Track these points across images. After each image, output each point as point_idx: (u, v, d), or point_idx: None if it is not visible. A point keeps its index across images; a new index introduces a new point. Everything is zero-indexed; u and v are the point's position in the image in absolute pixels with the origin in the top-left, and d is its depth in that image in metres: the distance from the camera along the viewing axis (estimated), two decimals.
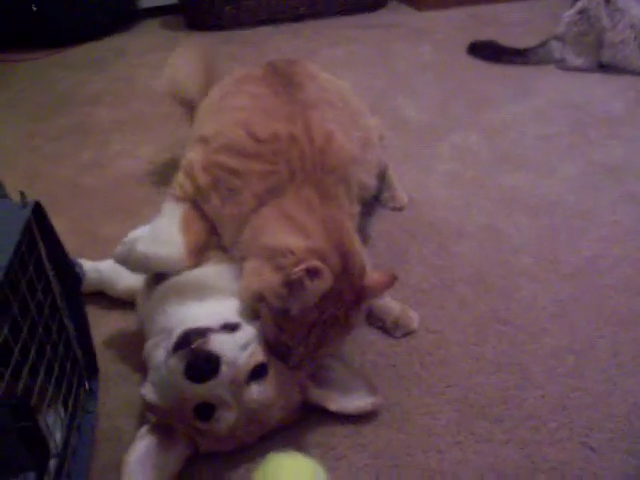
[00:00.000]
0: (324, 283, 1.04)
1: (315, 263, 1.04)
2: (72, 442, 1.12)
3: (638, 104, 2.39)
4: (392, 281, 1.15)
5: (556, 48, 2.73)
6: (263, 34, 3.40)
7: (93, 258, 1.53)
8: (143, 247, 1.23)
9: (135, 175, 2.04)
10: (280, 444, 1.14)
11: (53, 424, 1.08)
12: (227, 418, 1.08)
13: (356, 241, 1.19)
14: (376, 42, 3.18)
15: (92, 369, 1.27)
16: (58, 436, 1.09)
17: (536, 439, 1.15)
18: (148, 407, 1.15)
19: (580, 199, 1.84)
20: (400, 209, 1.82)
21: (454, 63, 2.87)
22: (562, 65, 2.71)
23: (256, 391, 1.09)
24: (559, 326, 1.39)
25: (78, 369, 1.21)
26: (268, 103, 1.41)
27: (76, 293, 1.20)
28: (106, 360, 1.34)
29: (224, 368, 1.04)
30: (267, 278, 1.10)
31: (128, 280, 1.44)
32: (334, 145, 1.31)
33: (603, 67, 2.66)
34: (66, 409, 1.13)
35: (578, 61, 2.67)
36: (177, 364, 1.05)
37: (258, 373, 1.10)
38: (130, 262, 1.26)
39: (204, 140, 1.37)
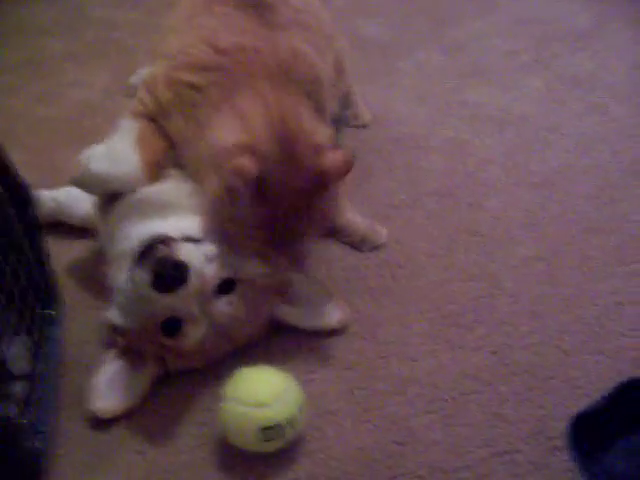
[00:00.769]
0: (247, 177, 1.00)
1: (236, 162, 1.00)
2: (39, 369, 1.10)
3: (603, 17, 2.34)
4: (350, 161, 1.09)
5: None
6: None
7: (53, 189, 1.46)
8: (96, 166, 1.18)
9: (92, 105, 1.96)
10: (250, 359, 1.11)
11: (19, 352, 1.06)
12: (195, 333, 1.05)
13: (311, 122, 1.14)
14: None
15: (55, 298, 1.24)
16: (25, 364, 1.07)
17: (509, 344, 1.15)
18: (114, 330, 1.12)
19: (547, 112, 1.80)
20: (364, 126, 1.77)
21: None
22: None
23: (224, 304, 1.06)
24: (529, 235, 1.38)
25: (41, 298, 1.19)
26: (236, 22, 1.34)
27: (34, 223, 1.16)
28: (70, 288, 1.30)
29: (191, 278, 1.01)
30: (209, 184, 1.07)
31: (87, 207, 1.38)
32: (301, 60, 1.27)
33: None
34: (31, 338, 1.11)
35: None
36: (143, 276, 1.01)
37: (226, 288, 1.07)
38: (85, 183, 1.20)
39: (167, 57, 1.31)
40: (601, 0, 2.48)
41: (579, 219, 1.41)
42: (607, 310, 1.21)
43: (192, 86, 1.20)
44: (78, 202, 1.40)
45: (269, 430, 0.94)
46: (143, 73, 1.65)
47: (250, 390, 0.97)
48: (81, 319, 1.25)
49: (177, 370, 1.12)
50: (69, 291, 1.29)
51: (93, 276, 1.30)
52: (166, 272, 0.99)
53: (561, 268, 1.30)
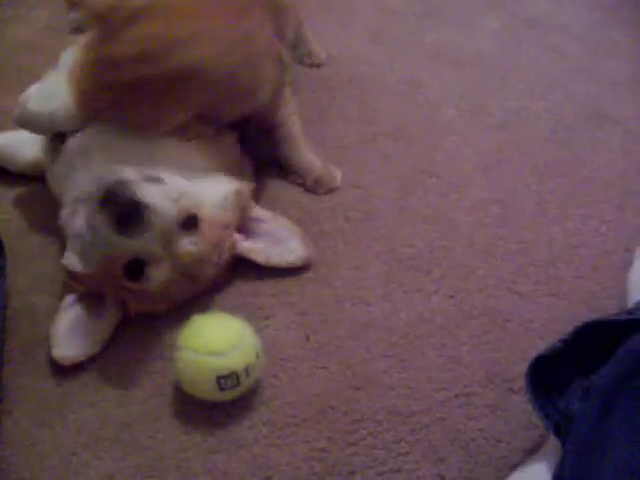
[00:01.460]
0: None
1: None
2: None
3: None
4: None
5: None
6: None
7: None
8: (32, 105, 1.11)
9: (31, 42, 1.85)
10: (203, 307, 1.10)
11: None
12: (159, 274, 1.02)
13: None
14: None
15: None
16: None
17: (464, 287, 1.15)
18: (72, 277, 1.08)
19: (503, 53, 1.78)
20: (318, 65, 1.72)
21: None
22: None
23: (188, 243, 1.03)
24: (484, 177, 1.37)
25: None
26: None
27: None
28: (13, 237, 1.23)
29: (154, 218, 0.97)
30: None
31: (32, 153, 1.31)
32: None
33: None
34: None
35: None
36: (104, 220, 0.97)
37: (189, 225, 1.04)
38: (24, 123, 1.14)
39: None
40: None
41: (534, 162, 1.41)
42: (561, 253, 1.21)
43: None
44: (22, 147, 1.33)
45: (225, 379, 0.92)
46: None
47: (205, 339, 0.94)
48: (26, 268, 1.19)
49: (138, 314, 1.08)
50: (12, 239, 1.22)
51: (39, 224, 1.26)
52: (127, 215, 0.96)
53: (516, 211, 1.29)
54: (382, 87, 1.63)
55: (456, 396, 1.00)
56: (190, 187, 1.07)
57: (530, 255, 1.21)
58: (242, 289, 1.15)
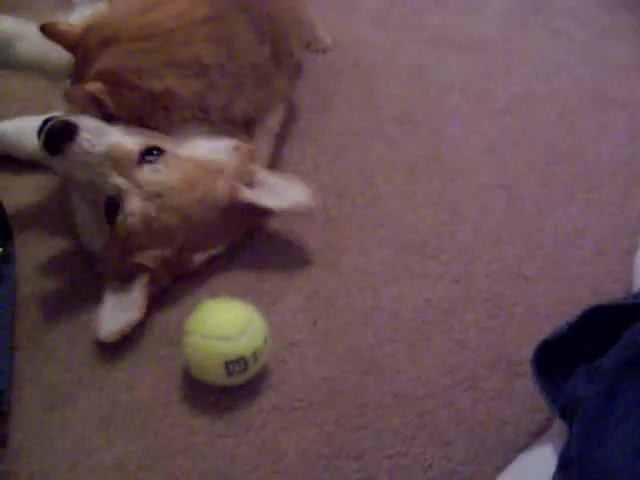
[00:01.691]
0: None
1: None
2: None
3: None
4: None
5: None
6: None
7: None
8: None
9: None
10: (212, 291, 1.11)
11: None
12: (132, 207, 1.04)
13: None
14: None
15: (6, 233, 1.18)
16: None
17: (471, 272, 1.16)
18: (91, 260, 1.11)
19: (507, 36, 1.77)
20: (324, 51, 1.72)
21: None
22: None
23: (149, 170, 1.06)
24: (490, 162, 1.37)
25: None
26: None
27: None
28: (21, 224, 1.24)
29: (86, 135, 1.02)
30: None
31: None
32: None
33: None
34: None
35: None
36: (39, 144, 1.04)
37: (150, 156, 1.07)
38: None
39: None
40: None
41: (540, 146, 1.41)
42: (567, 238, 1.22)
43: None
44: (29, 134, 1.33)
45: (234, 363, 0.93)
46: None
47: (214, 323, 0.95)
48: (34, 254, 1.20)
49: (162, 275, 1.10)
50: (20, 226, 1.23)
51: (46, 211, 1.27)
52: (54, 131, 1.02)
53: (522, 196, 1.30)
54: (387, 72, 1.63)
55: (462, 380, 1.01)
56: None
57: (535, 240, 1.21)
58: (249, 274, 1.15)
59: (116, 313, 1.07)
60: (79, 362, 1.05)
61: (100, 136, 1.05)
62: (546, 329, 1.01)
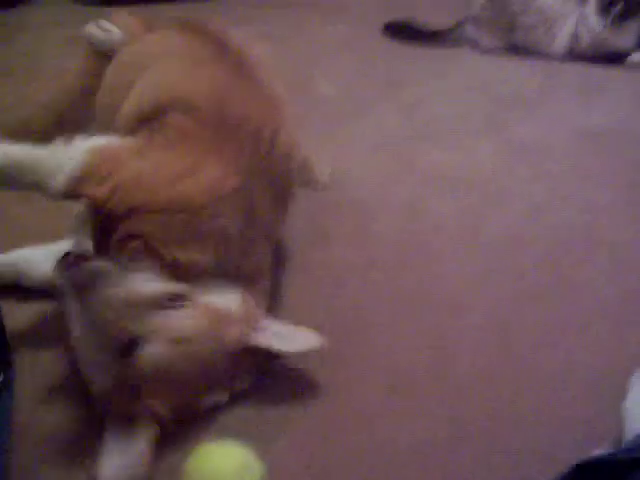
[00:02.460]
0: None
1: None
2: None
3: (550, 86, 2.45)
4: None
5: (470, 29, 2.76)
6: (179, 10, 3.25)
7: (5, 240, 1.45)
8: None
9: None
10: (210, 432, 1.12)
11: None
12: (152, 351, 1.05)
13: None
14: (291, 20, 3.12)
15: (6, 361, 1.20)
16: None
17: (465, 412, 1.17)
18: (97, 405, 1.11)
19: (496, 178, 1.87)
20: (322, 189, 1.80)
21: (369, 43, 2.85)
22: (476, 46, 2.75)
23: (170, 316, 1.07)
24: (480, 302, 1.42)
25: None
26: (241, 83, 1.37)
27: None
28: (25, 351, 1.27)
29: (109, 279, 1.05)
30: None
31: (45, 268, 1.35)
32: (292, 161, 1.35)
33: (515, 49, 2.71)
34: None
35: (492, 43, 2.72)
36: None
37: (174, 303, 1.09)
38: None
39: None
40: (546, 68, 2.60)
41: (529, 285, 1.46)
42: (559, 378, 1.24)
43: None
44: (39, 265, 1.38)
45: None
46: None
47: (211, 468, 0.97)
48: (31, 382, 1.21)
49: (170, 421, 1.08)
50: (23, 354, 1.26)
51: (47, 338, 1.29)
52: (76, 277, 1.05)
53: (513, 336, 1.33)
54: (381, 210, 1.71)
55: None
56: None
57: (528, 380, 1.23)
58: (245, 414, 1.16)
59: (117, 458, 1.05)
60: None
61: (123, 280, 1.07)
62: (539, 469, 1.04)
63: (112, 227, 1.13)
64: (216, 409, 1.15)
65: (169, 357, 1.06)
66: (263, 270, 1.28)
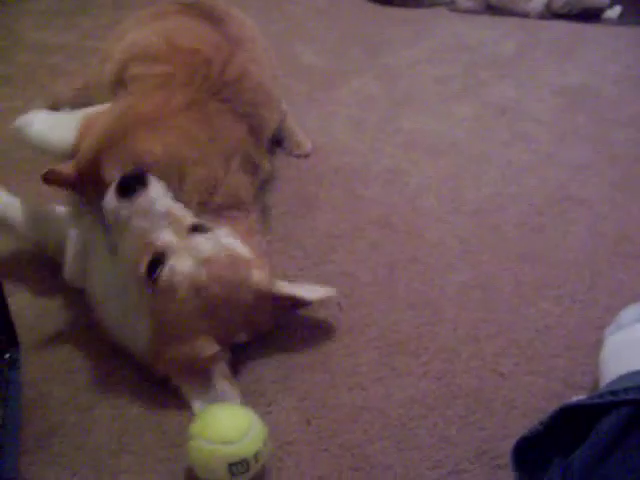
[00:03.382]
0: None
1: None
2: (3, 415, 1.11)
3: (526, 45, 2.49)
4: None
5: None
6: None
7: None
8: (36, 128, 1.25)
9: None
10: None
11: None
12: (183, 266, 1.09)
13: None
14: None
15: (12, 339, 1.24)
16: None
17: (451, 369, 1.23)
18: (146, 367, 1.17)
19: (476, 140, 1.92)
20: (306, 156, 1.84)
21: (348, 7, 2.87)
22: (452, 7, 2.78)
23: (200, 238, 1.12)
24: (465, 262, 1.48)
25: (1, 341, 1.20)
26: (194, 27, 1.47)
27: None
28: (28, 327, 1.30)
29: (154, 189, 1.11)
30: None
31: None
32: (247, 81, 1.38)
33: (492, 9, 2.74)
34: None
35: (468, 3, 2.75)
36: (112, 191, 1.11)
37: (201, 229, 1.14)
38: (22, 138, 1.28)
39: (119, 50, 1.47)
40: (523, 26, 2.64)
41: (510, 246, 1.52)
42: (538, 333, 1.31)
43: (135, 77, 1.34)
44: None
45: (236, 465, 1.00)
46: None
47: (216, 428, 1.02)
48: (37, 359, 1.26)
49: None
50: (24, 330, 1.29)
51: (50, 314, 1.34)
52: (128, 177, 1.10)
53: (495, 294, 1.39)
54: (366, 176, 1.75)
55: (449, 473, 1.07)
56: None
57: (510, 336, 1.30)
58: (247, 376, 1.22)
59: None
60: (84, 466, 1.09)
61: (164, 197, 1.13)
62: (523, 422, 1.11)
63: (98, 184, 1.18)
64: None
65: (198, 275, 1.10)
66: (245, 196, 1.34)
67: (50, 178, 1.18)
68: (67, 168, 1.19)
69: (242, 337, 1.20)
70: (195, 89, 1.31)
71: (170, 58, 1.36)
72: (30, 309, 1.35)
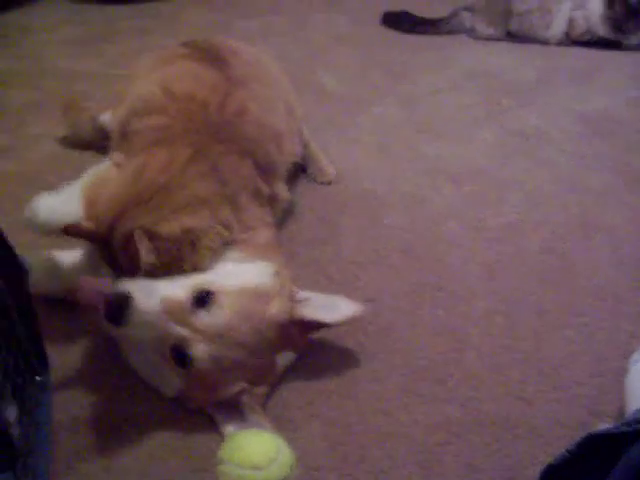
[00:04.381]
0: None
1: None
2: (31, 438, 1.11)
3: (547, 72, 2.51)
4: None
5: (466, 18, 2.81)
6: (174, 6, 3.32)
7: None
8: (42, 216, 1.24)
9: (61, 157, 1.98)
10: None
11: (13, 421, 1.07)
12: (199, 351, 1.12)
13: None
14: (291, 13, 3.18)
15: (42, 362, 1.26)
16: (16, 433, 1.09)
17: (476, 396, 1.24)
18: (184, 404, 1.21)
19: (499, 166, 1.93)
20: (329, 183, 1.86)
21: (369, 34, 2.90)
22: (473, 34, 2.80)
23: (205, 314, 1.14)
24: (488, 289, 1.49)
25: (29, 363, 1.21)
26: (194, 73, 1.51)
27: (22, 286, 1.19)
28: (55, 351, 1.32)
29: (140, 298, 1.10)
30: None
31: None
32: (247, 119, 1.41)
33: (511, 36, 2.77)
34: (21, 405, 1.12)
35: (488, 30, 2.77)
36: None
37: (202, 301, 1.15)
38: (33, 228, 1.27)
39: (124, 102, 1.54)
40: (543, 54, 2.66)
41: (532, 272, 1.53)
42: (563, 360, 1.31)
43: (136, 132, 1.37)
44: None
45: None
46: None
47: (245, 454, 1.04)
48: (66, 381, 1.28)
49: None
50: (56, 353, 1.31)
51: (81, 338, 1.36)
52: (111, 306, 1.10)
53: (519, 320, 1.40)
54: (388, 202, 1.77)
55: None
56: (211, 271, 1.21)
57: (534, 363, 1.31)
58: (271, 403, 1.23)
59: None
60: None
61: (151, 294, 1.13)
62: (547, 449, 1.12)
63: (112, 247, 1.21)
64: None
65: (215, 354, 1.13)
66: (266, 224, 1.37)
67: (70, 231, 1.21)
68: (88, 224, 1.21)
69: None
70: (195, 135, 1.33)
71: (166, 108, 1.39)
72: (59, 332, 1.37)
